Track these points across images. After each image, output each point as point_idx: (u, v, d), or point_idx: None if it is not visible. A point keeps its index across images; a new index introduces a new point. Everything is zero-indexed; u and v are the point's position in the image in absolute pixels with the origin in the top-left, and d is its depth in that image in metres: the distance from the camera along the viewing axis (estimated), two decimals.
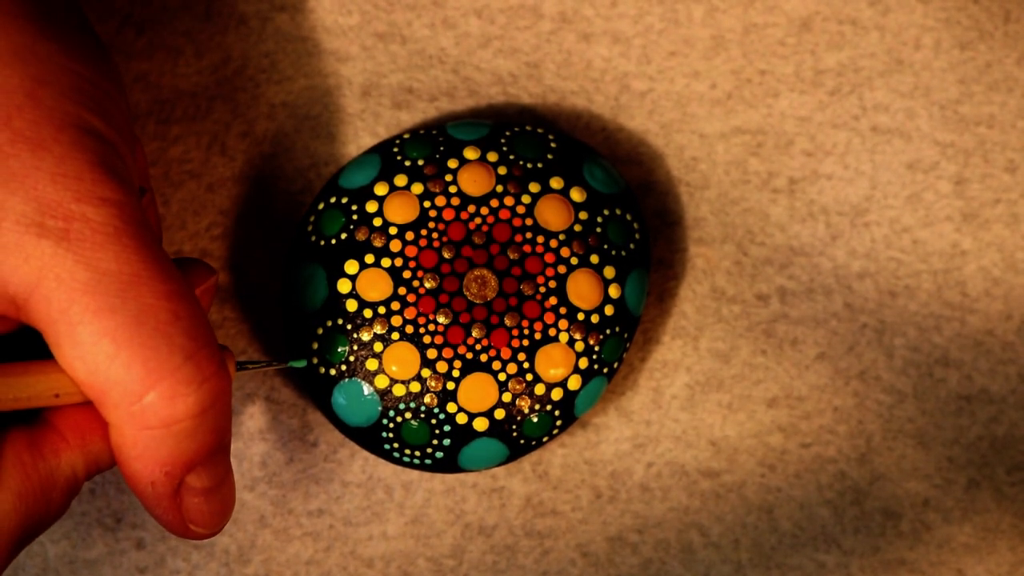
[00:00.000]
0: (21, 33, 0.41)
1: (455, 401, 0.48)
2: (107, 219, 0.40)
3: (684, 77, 0.54)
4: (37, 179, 0.39)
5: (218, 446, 0.42)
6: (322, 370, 0.49)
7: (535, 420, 0.49)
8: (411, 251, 0.48)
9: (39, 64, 0.41)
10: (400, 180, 0.49)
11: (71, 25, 0.43)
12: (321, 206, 0.50)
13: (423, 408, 0.48)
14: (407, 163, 0.50)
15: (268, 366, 0.48)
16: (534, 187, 0.49)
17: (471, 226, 0.49)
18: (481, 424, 0.48)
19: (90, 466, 0.43)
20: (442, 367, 0.48)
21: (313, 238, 0.49)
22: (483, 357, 0.48)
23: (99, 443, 0.43)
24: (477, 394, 0.48)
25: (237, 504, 0.52)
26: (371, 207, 0.49)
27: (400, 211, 0.49)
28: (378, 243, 0.48)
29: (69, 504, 0.43)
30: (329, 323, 0.48)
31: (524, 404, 0.48)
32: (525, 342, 0.48)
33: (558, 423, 0.49)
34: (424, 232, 0.49)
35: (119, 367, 0.39)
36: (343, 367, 0.48)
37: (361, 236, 0.49)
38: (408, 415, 0.48)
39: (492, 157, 0.50)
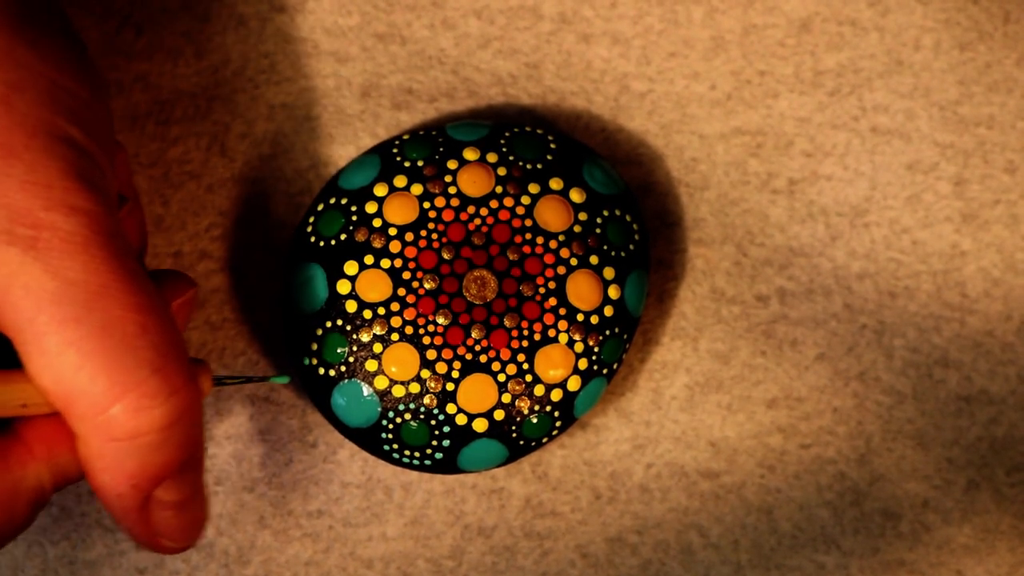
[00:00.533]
0: None
1: (455, 402, 0.48)
2: (76, 228, 0.39)
3: (684, 78, 0.54)
4: (7, 186, 0.39)
5: (187, 460, 0.42)
6: (321, 371, 0.49)
7: (535, 421, 0.49)
8: (411, 252, 0.48)
9: (14, 69, 0.40)
10: (400, 181, 0.49)
11: (52, 30, 0.42)
12: (320, 207, 0.50)
13: (423, 409, 0.48)
14: (407, 164, 0.50)
15: (247, 382, 0.48)
16: (534, 188, 0.49)
17: (471, 227, 0.49)
18: (481, 425, 0.48)
19: (57, 478, 0.42)
20: (442, 368, 0.48)
21: (312, 239, 0.49)
22: (483, 358, 0.48)
23: (67, 455, 0.42)
24: (477, 395, 0.48)
25: (237, 505, 0.52)
26: (371, 208, 0.49)
27: (400, 212, 0.49)
28: (377, 244, 0.48)
29: (35, 516, 0.42)
30: (328, 324, 0.48)
31: (524, 405, 0.48)
32: (525, 343, 0.48)
33: (557, 424, 0.49)
34: (424, 233, 0.49)
35: (84, 378, 0.39)
36: (342, 368, 0.48)
37: (361, 237, 0.49)
38: (408, 416, 0.48)
39: (492, 158, 0.50)
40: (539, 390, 0.49)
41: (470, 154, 0.50)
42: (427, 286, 0.48)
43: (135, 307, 0.39)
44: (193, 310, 0.46)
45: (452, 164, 0.49)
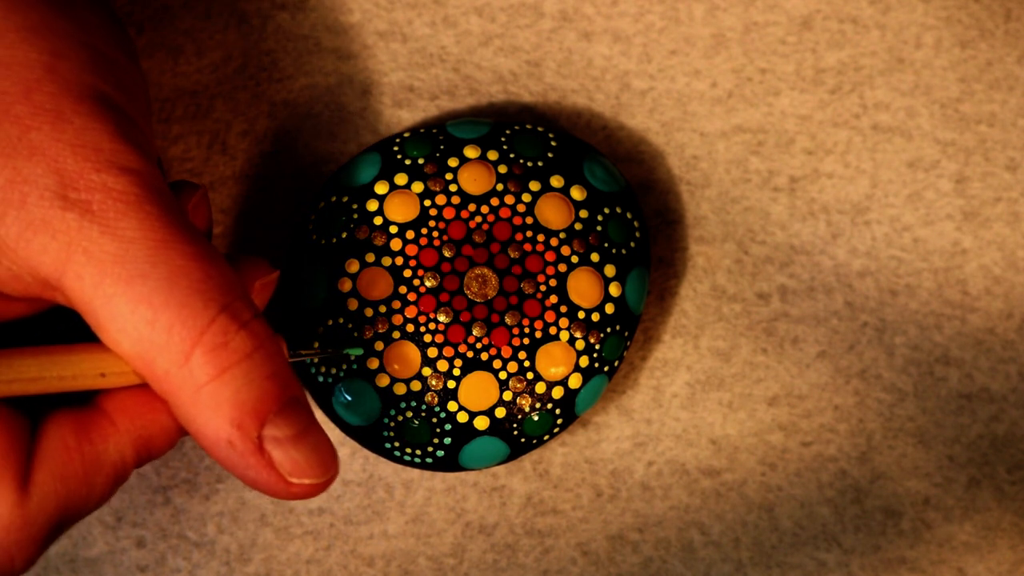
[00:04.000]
0: (37, 10, 0.41)
1: (456, 400, 0.48)
2: (128, 187, 0.40)
3: (685, 76, 0.54)
4: (58, 151, 0.40)
5: (284, 393, 0.42)
6: (323, 369, 0.49)
7: (536, 419, 0.49)
8: (411, 250, 0.48)
9: (56, 39, 0.41)
10: (400, 179, 0.49)
11: (88, 1, 0.43)
12: (322, 205, 0.50)
13: (424, 407, 0.48)
14: (407, 162, 0.50)
15: (322, 354, 0.48)
16: (534, 186, 0.49)
17: (471, 225, 0.49)
18: (482, 423, 0.48)
19: (140, 452, 0.42)
20: (443, 366, 0.48)
21: (314, 237, 0.49)
22: (484, 356, 0.48)
23: (150, 428, 0.42)
24: (478, 393, 0.48)
25: (238, 503, 0.52)
26: (372, 206, 0.49)
27: (400, 210, 0.49)
28: (379, 242, 0.48)
29: (114, 491, 0.42)
30: (330, 322, 0.48)
31: (525, 403, 0.48)
32: (526, 340, 0.48)
33: (559, 422, 0.49)
34: (424, 231, 0.49)
35: (160, 331, 0.39)
36: (344, 366, 0.48)
37: (362, 235, 0.49)
38: (409, 414, 0.48)
39: (492, 156, 0.50)
40: (540, 388, 0.49)
41: (471, 152, 0.50)
42: (428, 284, 0.48)
43: (194, 255, 0.40)
44: (271, 293, 0.46)
45: (453, 162, 0.49)
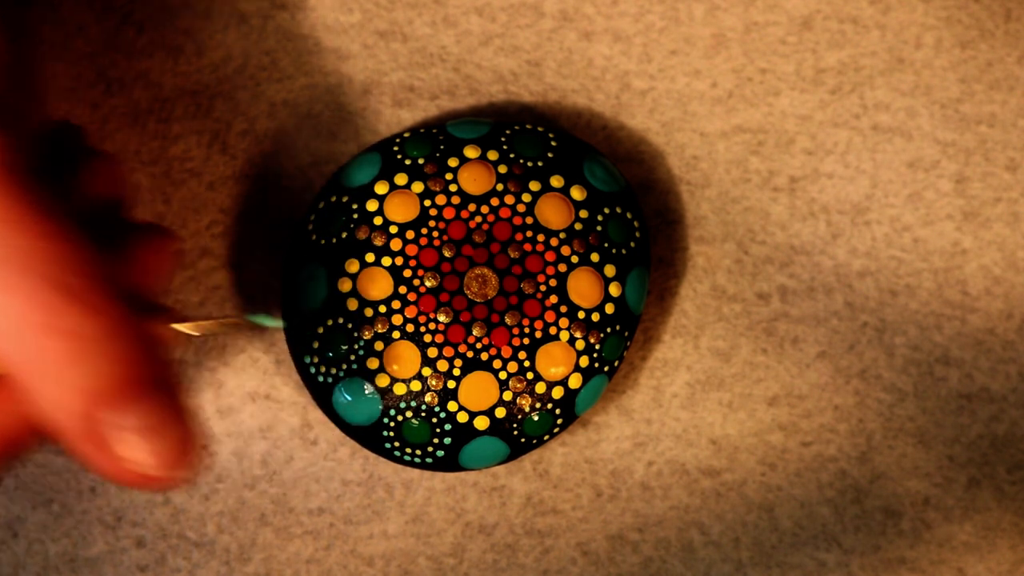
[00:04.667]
0: None
1: (456, 400, 0.48)
2: None
3: (685, 76, 0.54)
4: None
5: (139, 384, 0.40)
6: (323, 369, 0.49)
7: (536, 419, 0.49)
8: (411, 250, 0.48)
9: None
10: (400, 179, 0.49)
11: None
12: (322, 205, 0.50)
13: (424, 407, 0.48)
14: (407, 162, 0.50)
15: (223, 319, 0.47)
16: (534, 186, 0.49)
17: (471, 225, 0.49)
18: (482, 423, 0.48)
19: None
20: (443, 366, 0.48)
21: (314, 237, 0.49)
22: (484, 356, 0.48)
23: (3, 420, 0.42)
24: (478, 393, 0.48)
25: (238, 503, 0.52)
26: (372, 206, 0.49)
27: (400, 210, 0.49)
28: (379, 242, 0.48)
29: None
30: (330, 322, 0.48)
31: (525, 403, 0.49)
32: (526, 340, 0.48)
33: (559, 422, 0.49)
34: (424, 231, 0.49)
35: (12, 318, 0.38)
36: (344, 366, 0.48)
37: (362, 235, 0.49)
38: (409, 414, 0.48)
39: (492, 156, 0.50)
40: (540, 388, 0.49)
41: (471, 152, 0.50)
42: (428, 284, 0.48)
43: (44, 235, 0.39)
44: (175, 262, 0.45)
45: (453, 162, 0.49)
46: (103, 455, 0.41)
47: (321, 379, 0.49)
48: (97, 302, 0.40)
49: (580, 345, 0.49)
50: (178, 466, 0.42)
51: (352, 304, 0.48)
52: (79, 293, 0.39)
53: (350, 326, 0.48)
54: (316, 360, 0.49)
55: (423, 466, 0.49)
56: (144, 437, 0.41)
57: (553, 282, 0.49)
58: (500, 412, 0.48)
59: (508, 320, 0.48)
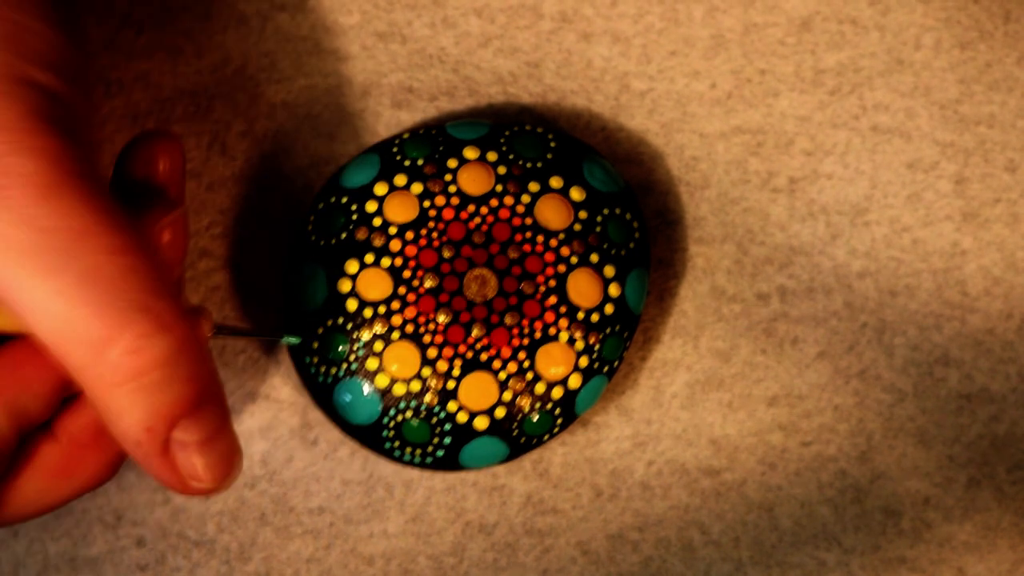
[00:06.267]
0: None
1: (456, 400, 0.48)
2: (46, 170, 0.38)
3: (684, 77, 0.54)
4: None
5: (199, 397, 0.40)
6: (323, 369, 0.49)
7: (536, 419, 0.49)
8: (411, 250, 0.48)
9: None
10: (400, 180, 0.49)
11: None
12: (321, 206, 0.50)
13: (424, 407, 0.48)
14: (407, 163, 0.50)
15: (251, 334, 0.48)
16: (534, 186, 0.49)
17: (471, 225, 0.49)
18: (482, 423, 0.48)
19: (20, 421, 0.42)
20: (442, 366, 0.48)
21: (313, 238, 0.49)
22: (483, 356, 0.48)
23: (22, 397, 0.42)
24: (477, 393, 0.48)
25: (238, 502, 0.52)
26: (371, 207, 0.49)
27: (400, 211, 0.49)
28: (378, 243, 0.48)
29: (4, 460, 0.42)
30: (329, 323, 0.48)
31: (525, 403, 0.49)
32: (525, 341, 0.48)
33: (559, 422, 0.49)
34: (424, 232, 0.49)
35: (77, 326, 0.38)
36: (344, 366, 0.48)
37: (361, 236, 0.49)
38: (409, 414, 0.48)
39: (492, 157, 0.50)
40: (540, 388, 0.49)
41: (470, 153, 0.50)
42: (427, 284, 0.48)
43: (116, 249, 0.38)
44: (185, 231, 0.44)
45: (452, 163, 0.49)
46: (169, 470, 0.41)
47: (321, 379, 0.49)
48: (168, 321, 0.39)
49: (580, 345, 0.49)
50: (228, 477, 0.42)
51: (351, 305, 0.48)
52: (152, 313, 0.39)
53: (350, 326, 0.48)
54: (316, 360, 0.49)
55: (423, 466, 0.49)
56: (200, 451, 0.41)
57: (553, 283, 0.49)
58: (500, 412, 0.49)
59: (508, 320, 0.48)
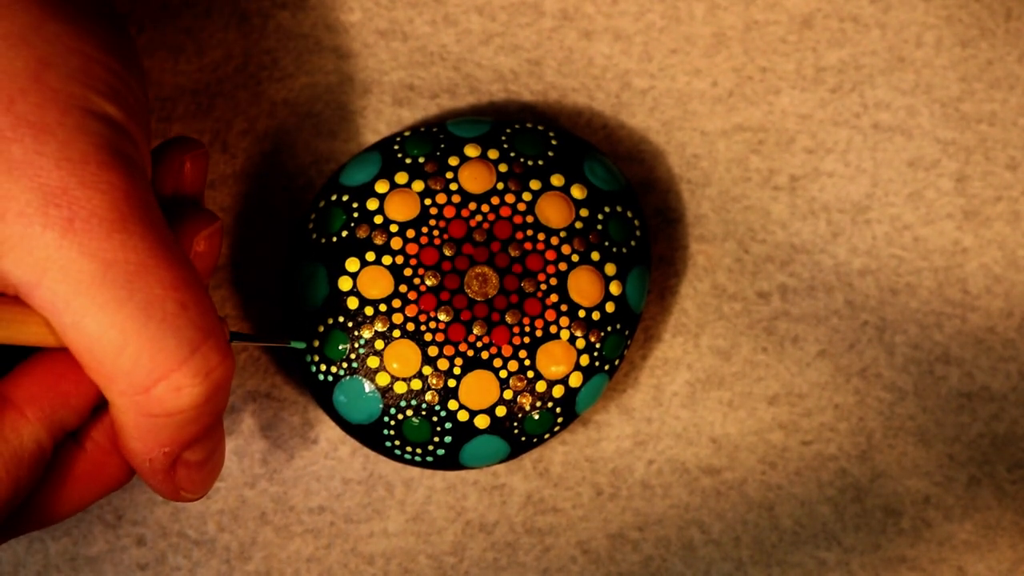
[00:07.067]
0: (28, 13, 0.40)
1: (456, 398, 0.48)
2: (113, 205, 0.38)
3: (685, 74, 0.54)
4: (41, 165, 0.38)
5: (216, 422, 0.42)
6: (323, 367, 0.49)
7: (536, 417, 0.49)
8: (412, 248, 0.48)
9: (45, 45, 0.39)
10: (401, 178, 0.49)
11: (84, 3, 0.41)
12: (322, 204, 0.50)
13: (424, 405, 0.48)
14: (408, 160, 0.50)
15: (263, 341, 0.48)
16: (535, 184, 0.49)
17: (472, 223, 0.49)
18: (482, 421, 0.48)
19: (56, 433, 0.42)
20: (443, 364, 0.48)
21: (314, 236, 0.49)
22: (484, 354, 0.48)
23: (60, 410, 0.42)
24: (478, 391, 0.48)
25: (238, 501, 0.52)
26: (372, 205, 0.49)
27: (401, 208, 0.49)
28: (379, 241, 0.48)
29: (40, 474, 0.42)
30: (330, 321, 0.48)
31: (525, 401, 0.48)
32: (526, 339, 0.48)
33: (559, 420, 0.49)
34: (425, 230, 0.49)
35: (127, 360, 0.39)
36: (344, 364, 0.48)
37: (362, 234, 0.49)
38: (409, 412, 0.48)
39: (493, 154, 0.50)
40: (541, 386, 0.49)
41: (471, 151, 0.50)
42: (428, 283, 0.48)
43: (174, 284, 0.39)
44: (219, 243, 0.45)
45: (453, 160, 0.49)
46: (169, 483, 0.43)
47: (321, 378, 0.49)
48: (215, 363, 0.40)
49: (580, 344, 0.49)
50: (211, 486, 0.44)
51: (352, 303, 0.48)
52: (202, 354, 0.40)
53: (350, 325, 0.48)
54: (316, 358, 0.49)
55: (423, 464, 0.49)
56: (199, 469, 0.43)
57: (553, 281, 0.49)
58: (500, 411, 0.48)
59: (508, 319, 0.48)
